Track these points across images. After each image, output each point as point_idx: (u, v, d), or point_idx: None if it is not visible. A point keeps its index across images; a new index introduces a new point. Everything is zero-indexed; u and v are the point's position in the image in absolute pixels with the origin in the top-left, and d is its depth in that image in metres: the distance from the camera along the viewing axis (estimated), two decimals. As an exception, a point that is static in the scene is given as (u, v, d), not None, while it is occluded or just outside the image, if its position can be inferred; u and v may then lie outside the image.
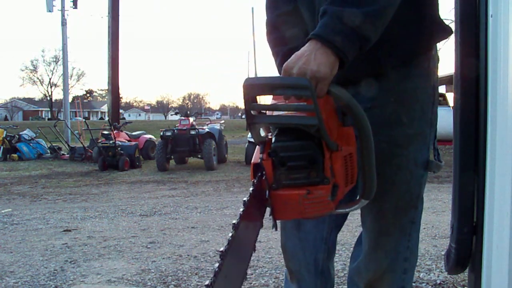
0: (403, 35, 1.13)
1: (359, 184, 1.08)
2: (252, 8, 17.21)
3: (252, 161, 0.98)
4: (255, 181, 0.94)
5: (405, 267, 1.33)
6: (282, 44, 1.27)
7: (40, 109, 66.46)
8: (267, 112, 0.98)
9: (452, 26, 1.35)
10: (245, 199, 0.89)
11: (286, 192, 0.94)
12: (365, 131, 0.99)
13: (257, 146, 1.00)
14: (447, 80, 18.30)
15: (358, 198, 1.10)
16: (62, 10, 21.42)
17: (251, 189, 0.92)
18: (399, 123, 1.20)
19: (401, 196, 1.26)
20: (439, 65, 1.29)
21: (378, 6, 0.98)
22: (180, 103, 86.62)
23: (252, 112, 0.95)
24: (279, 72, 1.27)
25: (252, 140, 1.09)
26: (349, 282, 1.47)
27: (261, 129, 1.00)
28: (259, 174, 0.95)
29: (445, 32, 1.26)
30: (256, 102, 0.96)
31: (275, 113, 0.97)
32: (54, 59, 55.20)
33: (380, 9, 0.99)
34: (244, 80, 0.94)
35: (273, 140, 0.95)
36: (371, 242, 1.32)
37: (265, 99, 1.05)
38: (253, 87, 0.95)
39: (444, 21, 1.26)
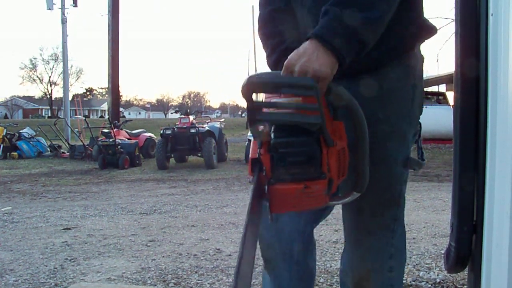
0: (387, 36, 1.13)
1: (349, 177, 1.09)
2: (253, 6, 17.16)
3: (250, 156, 0.98)
4: (254, 176, 0.95)
5: (390, 265, 1.33)
6: (273, 37, 1.29)
7: (40, 107, 66.41)
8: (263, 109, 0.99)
9: (453, 25, 1.35)
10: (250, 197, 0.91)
11: (284, 187, 0.95)
12: (362, 128, 1.03)
13: (253, 141, 1.01)
14: (448, 79, 18.32)
15: (350, 191, 1.11)
16: (62, 8, 21.43)
17: (252, 185, 0.94)
18: (376, 120, 1.20)
19: (380, 193, 1.27)
20: (423, 63, 1.31)
21: (379, 13, 1.02)
22: (180, 102, 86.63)
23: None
24: (268, 64, 1.29)
25: (252, 138, 1.09)
26: (341, 284, 1.48)
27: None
28: (257, 169, 0.96)
29: (429, 32, 1.27)
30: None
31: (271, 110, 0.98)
32: (53, 57, 55.22)
33: (380, 16, 1.02)
34: (247, 77, 0.94)
35: (272, 136, 0.96)
36: (352, 239, 1.33)
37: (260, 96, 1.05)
38: (257, 85, 0.96)
39: (429, 20, 1.27)
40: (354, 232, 1.32)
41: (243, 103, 0.99)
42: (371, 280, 1.32)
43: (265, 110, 0.97)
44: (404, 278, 2.73)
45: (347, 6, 1.00)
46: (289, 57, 0.99)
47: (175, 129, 9.94)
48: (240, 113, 78.25)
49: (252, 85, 0.94)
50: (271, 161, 0.95)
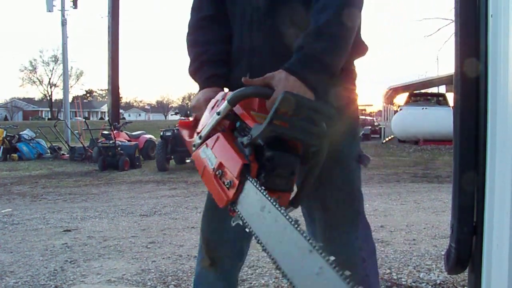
0: None
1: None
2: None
3: (242, 161, 1.02)
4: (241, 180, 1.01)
5: (362, 256, 1.38)
6: (196, 46, 1.37)
7: (40, 109, 66.45)
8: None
9: (452, 26, 1.36)
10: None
11: None
12: (325, 148, 1.09)
13: (230, 147, 1.06)
14: (447, 80, 18.34)
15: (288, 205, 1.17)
16: (62, 10, 21.41)
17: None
18: None
19: (343, 190, 1.35)
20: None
21: (343, 42, 1.15)
22: (180, 103, 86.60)
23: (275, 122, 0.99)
24: (189, 71, 1.38)
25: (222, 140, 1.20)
26: None
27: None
28: (246, 174, 1.01)
29: (362, 50, 1.37)
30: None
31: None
32: (53, 59, 55.23)
33: (345, 44, 1.16)
34: (284, 92, 0.99)
35: (264, 147, 1.02)
36: (323, 236, 1.37)
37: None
38: (292, 103, 0.99)
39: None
40: (325, 228, 1.37)
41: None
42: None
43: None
44: (405, 280, 2.73)
45: (319, 41, 1.12)
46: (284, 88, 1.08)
47: (175, 130, 9.92)
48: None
49: (286, 100, 0.98)
50: (259, 169, 1.01)
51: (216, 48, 1.34)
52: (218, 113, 1.10)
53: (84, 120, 16.14)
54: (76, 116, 24.60)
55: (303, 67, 1.12)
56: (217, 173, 1.06)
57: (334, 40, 1.13)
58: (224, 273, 1.53)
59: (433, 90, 23.27)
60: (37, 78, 58.13)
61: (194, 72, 1.35)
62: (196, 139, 1.19)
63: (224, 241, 1.46)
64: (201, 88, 1.34)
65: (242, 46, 1.32)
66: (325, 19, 1.13)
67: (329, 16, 1.13)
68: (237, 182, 1.00)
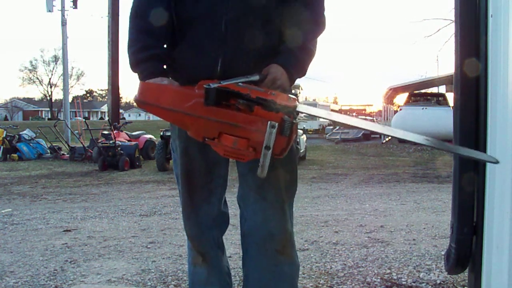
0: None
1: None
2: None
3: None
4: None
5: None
6: (147, 34, 1.54)
7: (40, 109, 66.40)
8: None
9: (453, 26, 1.36)
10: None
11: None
12: None
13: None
14: (447, 80, 18.33)
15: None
16: (62, 10, 21.42)
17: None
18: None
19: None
20: None
21: (313, 58, 1.63)
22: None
23: None
24: (136, 56, 1.54)
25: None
26: (256, 248, 1.66)
27: None
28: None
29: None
30: None
31: None
32: (53, 59, 55.16)
33: (314, 55, 1.63)
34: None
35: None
36: (282, 208, 1.64)
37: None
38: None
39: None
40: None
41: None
42: (290, 242, 1.68)
43: None
44: (405, 280, 2.74)
45: (304, 53, 1.59)
46: (277, 73, 1.52)
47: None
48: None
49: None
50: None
51: (164, 49, 1.59)
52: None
53: (84, 120, 16.12)
54: (76, 116, 24.61)
55: (293, 68, 1.57)
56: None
57: (311, 55, 1.62)
58: (214, 267, 1.72)
59: (433, 90, 23.29)
60: (37, 78, 58.08)
61: (144, 60, 1.52)
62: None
63: (202, 232, 1.68)
64: (148, 76, 1.51)
65: (211, 39, 1.54)
66: (311, 39, 1.61)
67: (312, 38, 1.62)
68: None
